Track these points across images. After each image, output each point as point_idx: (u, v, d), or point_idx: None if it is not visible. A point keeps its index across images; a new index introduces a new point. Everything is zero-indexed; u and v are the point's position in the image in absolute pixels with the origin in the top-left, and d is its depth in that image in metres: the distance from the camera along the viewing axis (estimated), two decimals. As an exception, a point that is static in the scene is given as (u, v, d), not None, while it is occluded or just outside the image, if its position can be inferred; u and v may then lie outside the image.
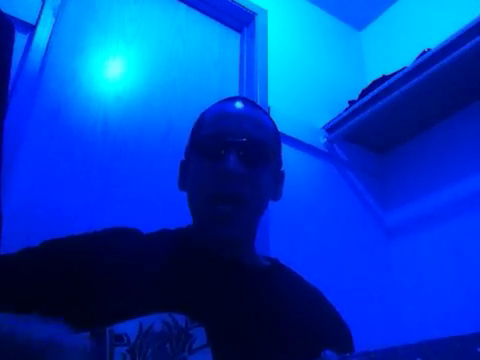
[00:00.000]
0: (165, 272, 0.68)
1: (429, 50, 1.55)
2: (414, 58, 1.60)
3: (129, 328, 0.55)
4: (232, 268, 0.72)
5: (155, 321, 0.56)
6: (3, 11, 1.03)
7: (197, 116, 0.85)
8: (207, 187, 0.72)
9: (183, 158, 0.84)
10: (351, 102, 1.84)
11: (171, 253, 0.73)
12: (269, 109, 1.70)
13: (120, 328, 0.55)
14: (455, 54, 1.45)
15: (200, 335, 0.57)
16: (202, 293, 0.66)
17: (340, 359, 0.40)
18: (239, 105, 0.79)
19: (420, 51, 1.60)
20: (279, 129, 0.86)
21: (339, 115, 1.82)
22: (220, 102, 0.83)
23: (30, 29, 1.36)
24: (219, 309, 0.65)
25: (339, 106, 1.88)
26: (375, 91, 1.68)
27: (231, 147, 0.72)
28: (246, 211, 0.72)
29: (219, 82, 1.77)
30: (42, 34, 1.37)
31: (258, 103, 1.69)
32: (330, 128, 1.85)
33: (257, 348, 0.63)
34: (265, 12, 1.99)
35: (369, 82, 1.82)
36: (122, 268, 0.66)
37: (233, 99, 0.82)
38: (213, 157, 0.72)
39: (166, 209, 1.38)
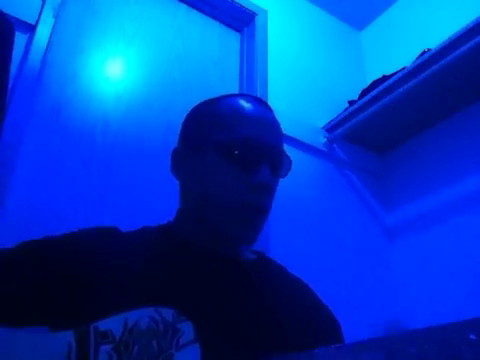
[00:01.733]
0: (150, 267, 0.67)
1: (429, 50, 1.55)
2: (414, 58, 1.60)
3: (114, 324, 0.53)
4: (219, 262, 0.72)
5: (141, 316, 0.55)
6: (3, 11, 1.03)
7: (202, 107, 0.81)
8: (235, 196, 0.70)
9: (177, 147, 0.80)
10: (351, 102, 1.84)
11: (155, 248, 0.72)
12: (269, 109, 1.70)
13: (105, 324, 0.53)
14: (455, 54, 1.45)
15: (187, 330, 0.56)
16: (188, 287, 0.65)
17: (335, 349, 0.39)
18: (262, 108, 0.77)
19: (420, 51, 1.60)
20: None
21: (339, 115, 1.82)
22: (236, 98, 0.79)
23: (30, 29, 1.36)
24: (206, 303, 0.64)
25: (339, 106, 1.88)
26: (375, 91, 1.68)
27: (265, 158, 0.70)
28: (265, 218, 0.73)
29: (219, 82, 1.77)
30: (42, 34, 1.37)
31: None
32: (330, 128, 1.85)
33: (246, 342, 0.62)
34: (265, 12, 1.99)
35: (369, 82, 1.82)
36: (104, 265, 0.65)
37: (249, 98, 0.79)
38: (245, 166, 0.70)
39: (166, 208, 1.37)
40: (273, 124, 0.76)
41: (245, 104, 0.76)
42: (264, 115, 0.76)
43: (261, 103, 0.79)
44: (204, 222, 0.73)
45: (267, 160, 0.70)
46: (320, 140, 1.84)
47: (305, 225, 1.63)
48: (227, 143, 0.71)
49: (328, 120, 1.87)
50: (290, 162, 0.76)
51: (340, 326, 0.77)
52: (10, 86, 1.19)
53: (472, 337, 0.32)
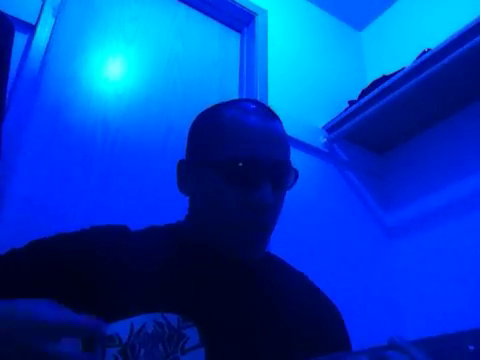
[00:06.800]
0: (157, 271, 0.67)
1: (429, 50, 1.55)
2: (414, 58, 1.60)
3: (120, 328, 0.54)
4: (225, 265, 0.71)
5: (147, 321, 0.56)
6: (3, 11, 1.03)
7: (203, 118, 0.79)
8: (236, 215, 0.68)
9: (183, 158, 0.79)
10: (351, 102, 1.84)
11: (163, 251, 0.71)
12: (269, 109, 1.70)
13: (111, 328, 0.54)
14: (455, 54, 1.44)
15: (193, 335, 0.57)
16: (195, 292, 0.65)
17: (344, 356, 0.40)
18: (264, 119, 0.72)
19: (420, 51, 1.60)
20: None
21: (339, 115, 1.82)
22: (239, 109, 0.74)
23: (30, 29, 1.36)
24: (212, 307, 0.64)
25: (339, 106, 1.87)
26: (375, 91, 1.68)
27: (266, 175, 0.68)
28: (270, 234, 0.73)
29: (219, 82, 1.77)
30: (42, 34, 1.37)
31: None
32: (330, 128, 1.85)
33: (251, 346, 0.63)
34: (265, 12, 1.99)
35: (369, 82, 1.82)
36: (113, 267, 0.64)
37: (254, 108, 0.74)
38: (245, 185, 0.68)
39: (166, 208, 1.37)
40: (277, 137, 0.72)
41: (248, 117, 0.71)
42: (268, 128, 0.72)
43: (266, 113, 0.75)
44: (211, 233, 0.73)
45: (268, 178, 0.68)
46: (320, 140, 1.84)
47: (305, 225, 1.63)
48: (227, 162, 0.68)
49: (328, 120, 1.87)
50: (296, 174, 0.74)
51: (340, 314, 0.78)
52: (10, 86, 1.19)
53: (471, 348, 0.32)
